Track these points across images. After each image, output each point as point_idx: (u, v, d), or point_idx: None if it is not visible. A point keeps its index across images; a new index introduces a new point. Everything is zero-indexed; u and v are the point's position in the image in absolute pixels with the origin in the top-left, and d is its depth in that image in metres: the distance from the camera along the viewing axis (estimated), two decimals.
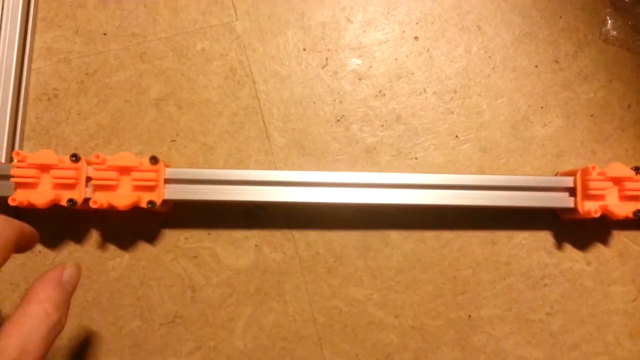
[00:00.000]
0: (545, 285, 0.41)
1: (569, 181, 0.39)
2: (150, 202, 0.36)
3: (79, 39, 0.42)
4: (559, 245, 0.41)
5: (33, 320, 0.25)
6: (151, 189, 0.36)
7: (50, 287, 0.27)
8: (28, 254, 0.40)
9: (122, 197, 0.35)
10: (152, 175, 0.36)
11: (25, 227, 0.28)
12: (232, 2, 0.43)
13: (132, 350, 0.39)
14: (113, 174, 0.35)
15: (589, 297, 0.41)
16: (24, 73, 0.41)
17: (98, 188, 0.36)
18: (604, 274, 0.41)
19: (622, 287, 0.41)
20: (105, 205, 0.35)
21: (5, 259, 0.26)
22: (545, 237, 0.41)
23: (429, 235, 0.41)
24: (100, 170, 0.35)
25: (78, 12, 0.43)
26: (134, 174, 0.36)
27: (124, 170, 0.36)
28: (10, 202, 0.34)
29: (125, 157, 0.36)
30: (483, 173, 0.42)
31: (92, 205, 0.35)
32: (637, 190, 0.38)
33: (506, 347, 0.40)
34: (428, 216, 0.41)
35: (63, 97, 0.42)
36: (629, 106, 0.43)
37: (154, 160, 0.36)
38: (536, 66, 0.43)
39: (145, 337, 0.40)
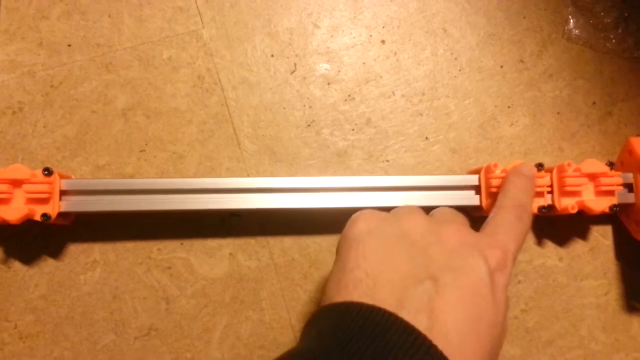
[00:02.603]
0: (519, 282, 0.47)
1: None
2: (44, 215, 0.39)
3: (43, 50, 0.47)
4: (531, 241, 0.47)
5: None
6: (45, 201, 0.40)
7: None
8: None
9: (14, 210, 0.39)
10: (44, 187, 0.39)
11: None
12: (198, 9, 0.48)
13: None
14: (4, 187, 0.39)
15: (562, 293, 0.47)
16: None
17: None
18: (577, 269, 0.47)
19: (595, 282, 0.47)
20: None
21: None
22: None
23: None
24: None
25: (41, 24, 0.47)
26: (26, 187, 0.39)
27: (16, 183, 0.40)
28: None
29: (17, 170, 0.39)
30: (454, 173, 0.47)
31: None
32: (613, 185, 0.43)
33: None
34: None
35: (28, 110, 0.46)
36: (594, 103, 0.49)
37: (47, 171, 0.40)
38: (502, 66, 0.49)
39: (121, 351, 0.44)
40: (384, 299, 0.24)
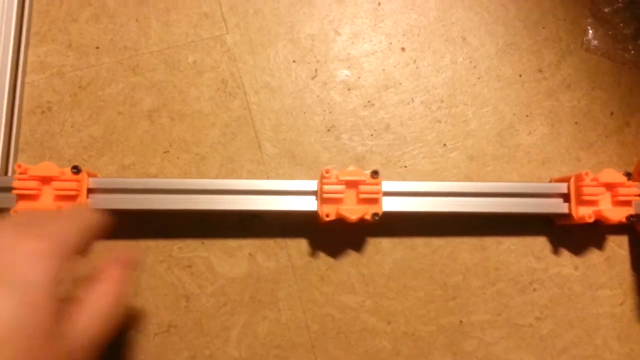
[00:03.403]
0: (534, 290, 0.47)
1: (562, 187, 0.44)
2: None
3: (72, 52, 0.48)
4: (547, 250, 0.48)
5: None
6: (73, 198, 0.41)
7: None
8: None
9: (43, 206, 0.40)
10: (73, 184, 0.40)
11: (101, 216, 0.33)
12: (223, 15, 0.50)
13: None
14: (34, 184, 0.40)
15: (577, 302, 0.47)
16: (17, 87, 0.47)
17: (20, 198, 0.40)
18: (592, 278, 0.47)
19: (610, 291, 0.47)
20: None
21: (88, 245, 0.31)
22: (533, 243, 0.48)
23: (419, 242, 0.47)
24: (22, 180, 0.40)
25: (71, 27, 0.49)
26: (55, 184, 0.40)
27: (46, 180, 0.41)
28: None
29: (47, 167, 0.40)
30: (470, 180, 0.48)
31: (12, 214, 0.39)
32: (630, 195, 0.43)
33: (497, 351, 0.46)
34: (418, 223, 0.47)
35: (57, 110, 0.47)
36: (612, 113, 0.49)
37: (75, 169, 0.41)
38: (520, 75, 0.50)
39: (140, 347, 0.45)
40: None
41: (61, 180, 0.40)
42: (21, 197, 0.40)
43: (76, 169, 0.41)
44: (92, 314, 0.29)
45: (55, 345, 0.25)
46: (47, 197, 0.41)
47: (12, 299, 0.24)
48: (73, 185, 0.40)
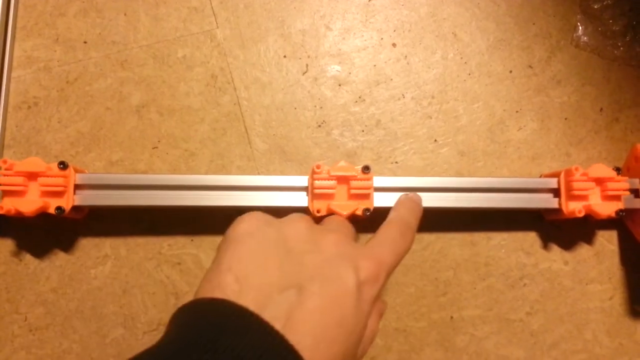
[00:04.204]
0: (525, 285, 0.47)
1: (552, 182, 0.44)
2: (59, 208, 0.40)
3: (59, 47, 0.47)
4: (537, 245, 0.47)
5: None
6: (59, 194, 0.40)
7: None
8: (9, 263, 0.44)
9: (29, 202, 0.39)
10: (59, 180, 0.39)
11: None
12: (213, 10, 0.49)
13: (115, 359, 0.44)
14: (20, 180, 0.39)
15: (567, 296, 0.47)
16: (3, 81, 0.45)
17: (6, 194, 0.39)
18: (582, 273, 0.47)
19: (599, 286, 0.47)
20: (12, 211, 0.39)
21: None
22: (523, 238, 0.47)
23: None
24: (7, 175, 0.39)
25: (58, 21, 0.47)
26: (41, 180, 0.39)
27: (32, 176, 0.40)
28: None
29: (33, 163, 0.39)
30: (461, 176, 0.47)
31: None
32: (619, 190, 0.43)
33: (488, 347, 0.46)
34: None
35: (43, 106, 0.46)
36: (601, 109, 0.49)
37: (62, 165, 0.40)
38: (511, 71, 0.49)
39: (129, 346, 0.44)
40: (247, 304, 0.25)
41: (47, 176, 0.39)
42: (6, 193, 0.39)
43: (63, 165, 0.39)
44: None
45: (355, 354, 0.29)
46: (33, 194, 0.40)
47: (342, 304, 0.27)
48: (60, 181, 0.39)
